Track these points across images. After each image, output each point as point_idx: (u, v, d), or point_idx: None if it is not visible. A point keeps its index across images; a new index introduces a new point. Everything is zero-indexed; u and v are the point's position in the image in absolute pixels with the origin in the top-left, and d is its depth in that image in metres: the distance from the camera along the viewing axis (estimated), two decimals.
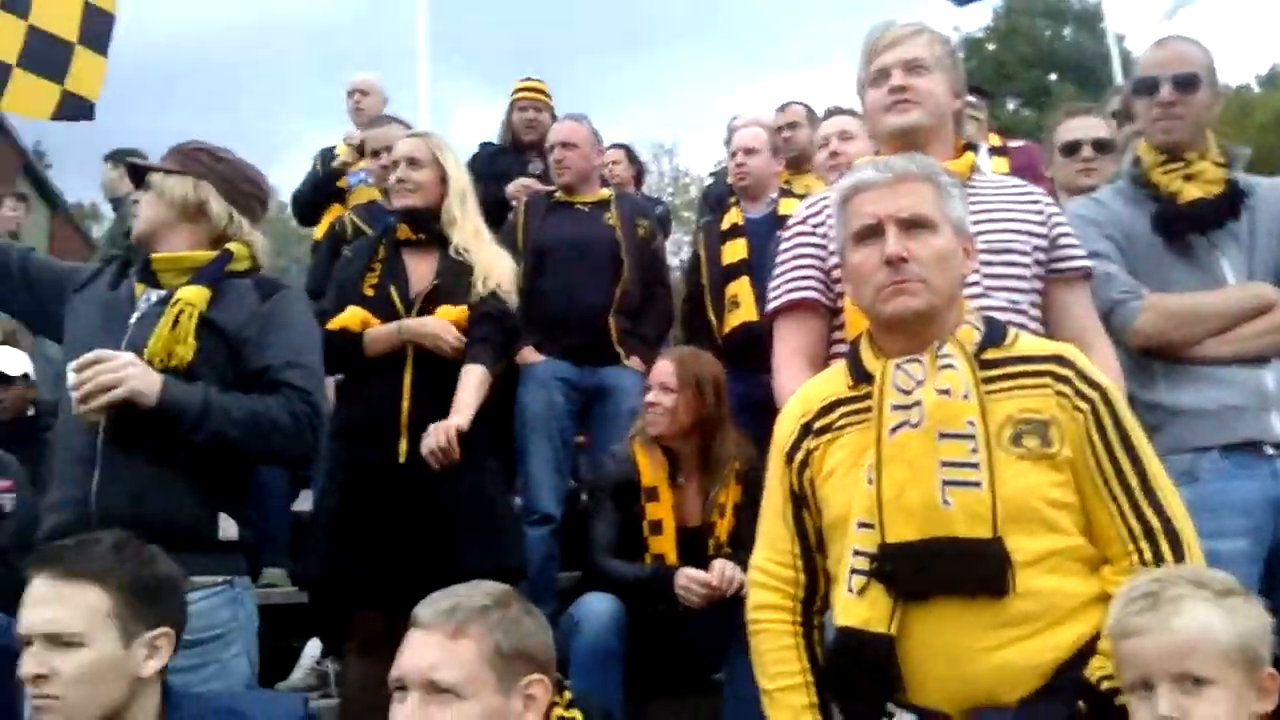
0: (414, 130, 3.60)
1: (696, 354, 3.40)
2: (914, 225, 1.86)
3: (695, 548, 3.06)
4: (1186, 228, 2.56)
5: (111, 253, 5.58)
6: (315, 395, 2.36)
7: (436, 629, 1.72)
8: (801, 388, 2.05)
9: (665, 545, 3.08)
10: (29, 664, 1.78)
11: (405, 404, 3.02)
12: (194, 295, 2.31)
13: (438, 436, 2.87)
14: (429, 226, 3.24)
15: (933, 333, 1.85)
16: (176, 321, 2.28)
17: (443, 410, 2.99)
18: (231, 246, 2.45)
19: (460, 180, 3.29)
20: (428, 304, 3.13)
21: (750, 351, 3.44)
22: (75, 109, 4.93)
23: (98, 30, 5.03)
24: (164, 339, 2.27)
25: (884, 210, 1.88)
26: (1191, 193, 2.54)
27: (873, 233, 1.88)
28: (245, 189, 2.53)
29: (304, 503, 4.40)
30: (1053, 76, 27.57)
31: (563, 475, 3.90)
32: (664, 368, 3.24)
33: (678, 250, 14.13)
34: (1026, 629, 1.71)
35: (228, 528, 2.30)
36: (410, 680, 1.70)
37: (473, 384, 3.03)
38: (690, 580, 2.91)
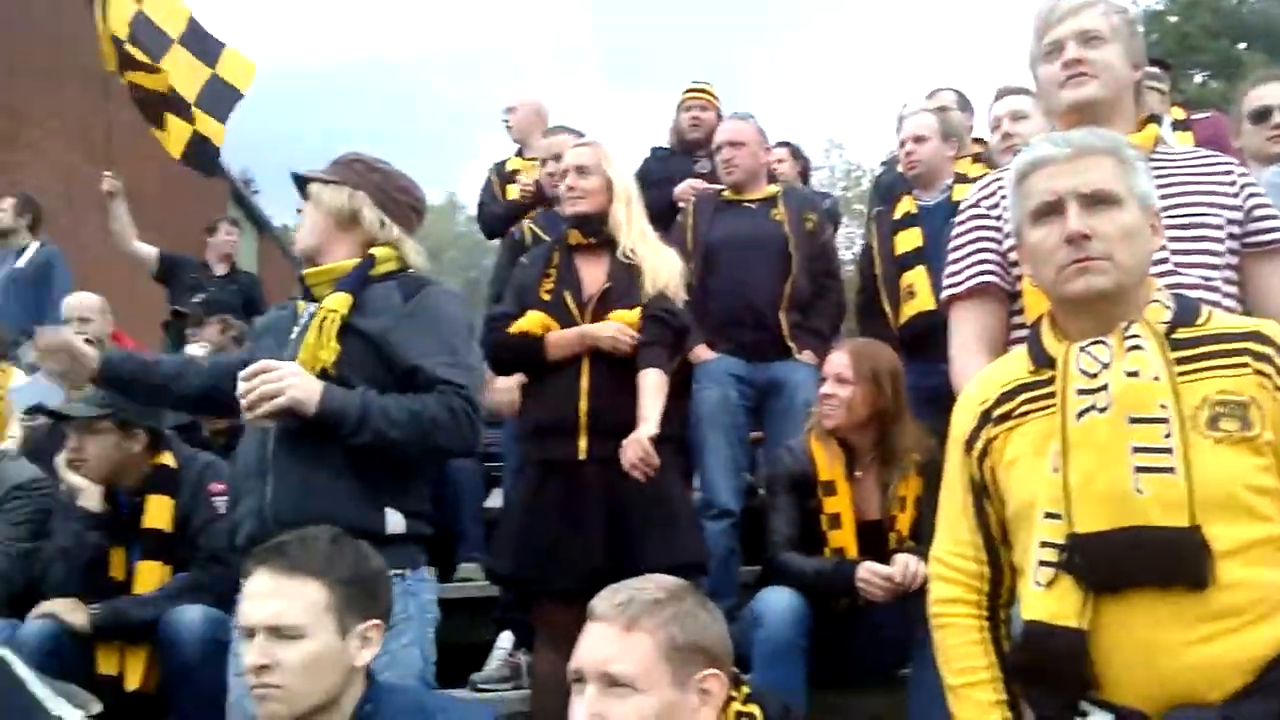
0: (581, 139, 3.70)
1: (872, 345, 3.38)
2: (1097, 201, 1.79)
3: (875, 541, 3.04)
4: None
5: None
6: (469, 389, 2.41)
7: (611, 622, 1.75)
8: (980, 374, 2.01)
9: (845, 539, 3.06)
10: (253, 655, 1.88)
11: (583, 403, 3.11)
12: (335, 302, 2.44)
13: (635, 450, 2.95)
14: (598, 231, 3.33)
15: (1119, 313, 1.77)
16: (321, 329, 2.41)
17: (618, 407, 3.08)
18: (375, 251, 2.54)
19: (625, 185, 3.37)
20: (601, 306, 3.20)
21: (928, 341, 3.37)
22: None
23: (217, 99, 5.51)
24: (310, 346, 2.40)
25: (1064, 186, 1.81)
26: None
27: (1052, 210, 1.82)
28: (398, 197, 2.63)
29: (495, 500, 4.58)
30: (1241, 46, 25.84)
31: (740, 470, 3.93)
32: (839, 360, 3.23)
33: (850, 244, 14.00)
34: (1230, 623, 1.63)
35: (395, 522, 2.39)
36: (587, 672, 1.73)
37: (653, 390, 3.10)
38: (872, 574, 2.89)
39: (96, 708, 1.95)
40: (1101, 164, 1.82)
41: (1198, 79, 25.22)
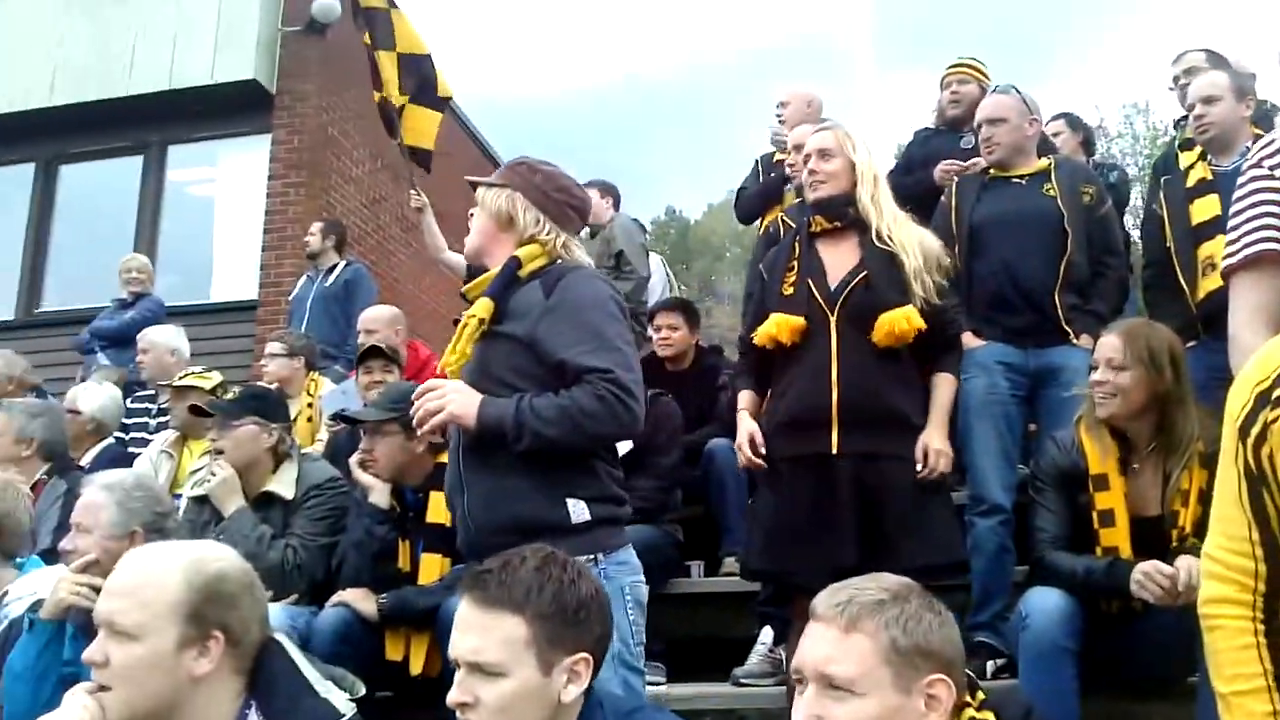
0: (822, 124, 3.64)
1: (1146, 324, 3.14)
2: None
3: (1154, 539, 2.80)
4: None
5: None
6: (617, 371, 2.40)
7: (831, 622, 1.71)
8: (1260, 351, 1.81)
9: (1118, 538, 2.84)
10: (455, 691, 1.84)
11: (834, 396, 3.06)
12: (477, 309, 2.53)
13: (934, 462, 3.06)
14: (843, 212, 3.27)
15: None
16: (460, 337, 2.51)
17: (871, 399, 3.04)
18: (520, 251, 2.58)
19: (870, 167, 3.30)
20: (860, 296, 3.14)
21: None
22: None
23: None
24: (450, 355, 2.51)
25: None
26: None
27: None
28: (557, 197, 2.66)
29: None
30: None
31: (1011, 463, 3.71)
32: (1110, 343, 3.01)
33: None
34: None
35: (579, 512, 2.42)
36: (807, 672, 1.70)
37: (948, 397, 3.22)
38: (1149, 574, 2.66)
39: (361, 689, 2.07)
40: None
41: None
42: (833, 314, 3.14)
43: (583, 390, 2.39)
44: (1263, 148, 2.22)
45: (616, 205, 6.61)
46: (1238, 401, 1.76)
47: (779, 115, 5.91)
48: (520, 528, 2.33)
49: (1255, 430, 1.70)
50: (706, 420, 4.73)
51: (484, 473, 2.49)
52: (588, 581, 1.94)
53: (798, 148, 4.39)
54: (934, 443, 3.11)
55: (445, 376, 2.60)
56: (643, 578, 2.56)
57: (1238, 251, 2.17)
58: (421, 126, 6.14)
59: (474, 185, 2.75)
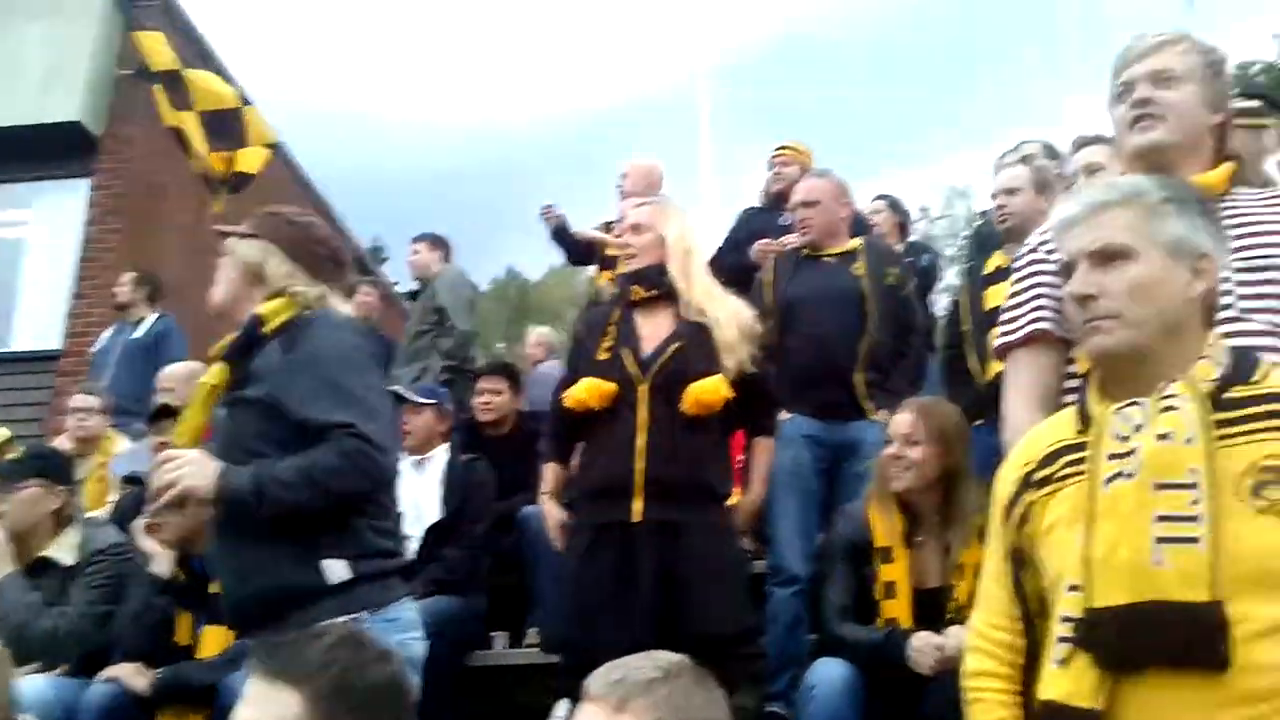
0: (643, 200, 3.73)
1: (939, 403, 3.28)
2: (1107, 257, 1.72)
3: (933, 610, 2.90)
4: None
5: (419, 329, 6.18)
6: (359, 424, 2.28)
7: (602, 701, 1.67)
8: (1028, 434, 1.91)
9: (899, 609, 2.94)
10: None
11: (639, 463, 3.08)
12: (209, 375, 2.45)
13: (744, 520, 3.16)
14: (657, 281, 3.32)
15: (1155, 371, 1.67)
16: (194, 405, 2.41)
17: (676, 468, 3.06)
18: (260, 309, 2.43)
19: (682, 241, 3.37)
20: (671, 366, 3.18)
21: None
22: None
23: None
24: (179, 426, 2.42)
25: (1075, 246, 1.76)
26: None
27: (1072, 270, 1.77)
28: (314, 249, 2.55)
29: None
30: None
31: (811, 535, 3.80)
32: (905, 419, 3.12)
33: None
34: (1260, 709, 1.48)
35: (336, 572, 2.30)
36: None
37: (766, 461, 3.35)
38: (925, 645, 2.76)
39: None
40: (1117, 217, 1.75)
41: None
42: (644, 382, 3.17)
43: (325, 448, 2.26)
44: (1040, 234, 2.32)
45: (447, 258, 6.56)
46: (1005, 482, 1.85)
47: (619, 186, 6.00)
48: (274, 596, 2.24)
49: (1018, 511, 1.79)
50: (524, 486, 4.69)
51: (235, 544, 2.37)
52: (384, 667, 1.79)
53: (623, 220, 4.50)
54: (744, 506, 3.20)
55: None
56: (419, 633, 2.43)
57: (1014, 330, 2.26)
58: (249, 160, 6.05)
59: (223, 235, 2.60)
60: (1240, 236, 2.01)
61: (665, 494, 3.05)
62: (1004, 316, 2.30)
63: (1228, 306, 1.92)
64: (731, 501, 3.38)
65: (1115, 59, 2.24)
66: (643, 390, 3.16)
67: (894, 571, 2.97)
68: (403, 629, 2.37)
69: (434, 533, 4.10)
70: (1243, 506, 1.54)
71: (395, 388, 4.26)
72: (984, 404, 3.63)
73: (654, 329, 3.28)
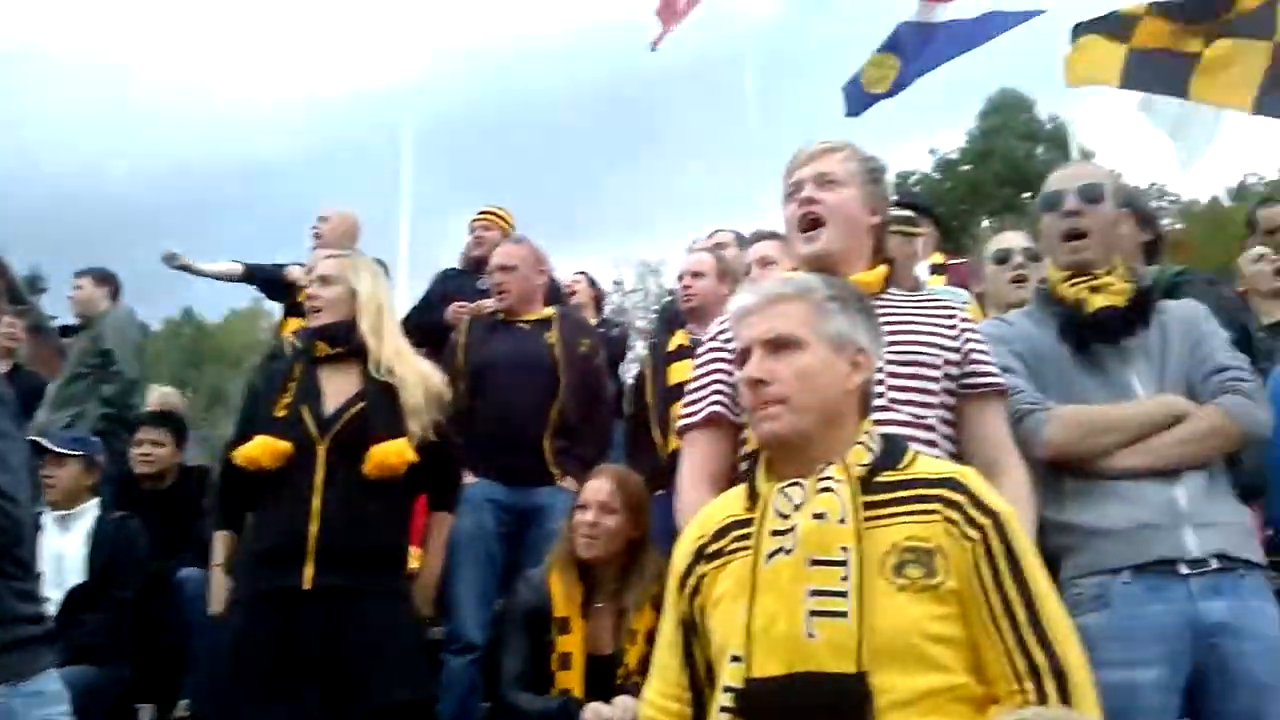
0: (333, 252, 3.62)
1: (630, 472, 3.35)
2: (778, 345, 1.84)
3: (606, 677, 2.95)
4: (1093, 336, 2.50)
5: (78, 370, 5.61)
6: None
7: None
8: (703, 509, 1.99)
9: (572, 680, 2.96)
10: None
11: (313, 528, 2.94)
12: None
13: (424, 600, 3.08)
14: (345, 338, 3.21)
15: (816, 454, 1.79)
16: None
17: (353, 536, 2.94)
18: None
19: (375, 297, 3.28)
20: (354, 426, 3.06)
21: None
22: None
23: None
24: None
25: (750, 334, 1.88)
26: (1097, 302, 2.51)
27: (747, 356, 1.88)
28: None
29: None
30: (1025, 194, 28.13)
31: (489, 602, 3.78)
32: (603, 488, 3.16)
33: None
34: None
35: None
36: None
37: (445, 535, 3.29)
38: (594, 716, 2.80)
39: None
40: (789, 309, 1.88)
41: (985, 223, 27.22)
42: (323, 442, 3.04)
43: None
44: (720, 322, 2.43)
45: (115, 296, 6.03)
46: (680, 554, 1.92)
47: (315, 230, 5.78)
48: None
49: (691, 582, 1.86)
50: (184, 545, 4.35)
51: None
52: None
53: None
54: (423, 584, 3.13)
55: None
56: (65, 708, 2.21)
57: (694, 412, 2.36)
58: None
59: None
60: (893, 333, 2.19)
61: (339, 560, 2.92)
62: (686, 399, 2.40)
63: (880, 396, 2.10)
64: (412, 564, 3.29)
65: (787, 164, 2.42)
66: (321, 450, 3.03)
67: (570, 643, 3.00)
68: (47, 703, 2.16)
69: (75, 595, 3.73)
70: (886, 584, 1.67)
71: (36, 437, 3.86)
72: (664, 475, 3.77)
73: (338, 387, 3.16)
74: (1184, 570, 2.27)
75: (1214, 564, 2.27)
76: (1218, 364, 2.45)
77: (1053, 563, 2.35)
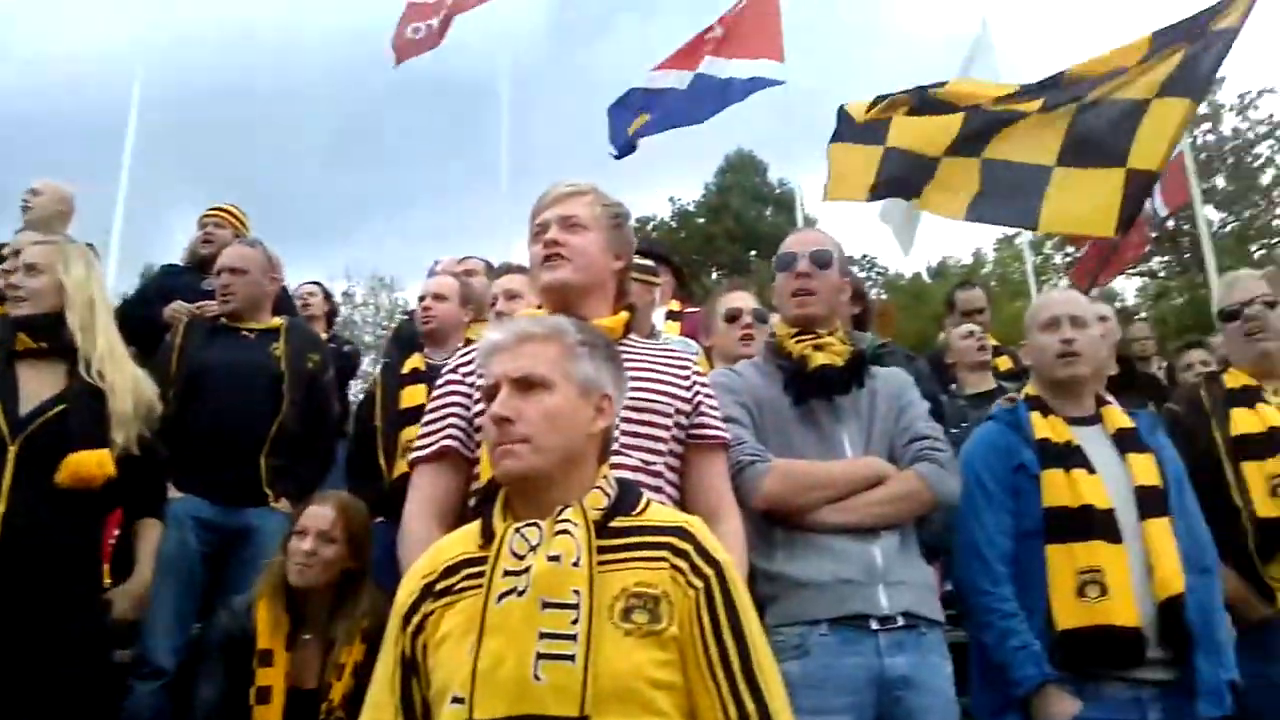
0: (42, 238, 3.31)
1: (355, 500, 3.26)
2: (527, 385, 1.85)
3: (309, 713, 2.84)
4: (813, 391, 2.67)
5: None
6: None
7: None
8: (434, 544, 1.95)
9: (271, 715, 2.84)
10: None
11: None
12: None
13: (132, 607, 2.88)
14: (52, 334, 2.96)
15: (555, 496, 1.80)
16: None
17: (40, 546, 2.71)
18: None
19: (85, 290, 3.04)
20: (54, 427, 2.82)
21: None
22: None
23: None
24: None
25: (500, 370, 1.88)
26: (819, 360, 2.68)
27: (495, 393, 1.87)
28: None
29: None
30: (753, 253, 29.67)
31: (186, 626, 3.54)
32: (325, 514, 3.06)
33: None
34: None
35: None
36: None
37: (155, 541, 3.09)
38: None
39: None
40: (539, 350, 1.89)
41: (714, 276, 28.46)
42: (13, 444, 2.78)
43: None
44: (460, 356, 2.44)
45: None
46: (406, 590, 1.86)
47: (26, 203, 5.23)
48: None
49: (416, 619, 1.81)
50: None
51: None
52: None
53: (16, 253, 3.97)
54: (117, 602, 2.91)
55: None
56: None
57: (426, 445, 2.33)
58: None
59: None
60: (629, 380, 2.22)
61: (22, 572, 2.67)
62: (421, 430, 2.37)
63: (615, 439, 2.12)
64: (107, 581, 3.05)
65: (534, 204, 2.46)
66: (11, 453, 2.77)
67: (271, 675, 2.87)
68: None
69: None
70: (613, 629, 1.69)
71: None
72: (386, 502, 3.68)
73: (38, 385, 2.91)
74: (874, 626, 2.44)
75: (900, 621, 2.45)
76: (917, 432, 2.67)
77: (760, 609, 2.50)
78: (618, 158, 8.54)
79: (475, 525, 1.90)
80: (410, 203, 48.07)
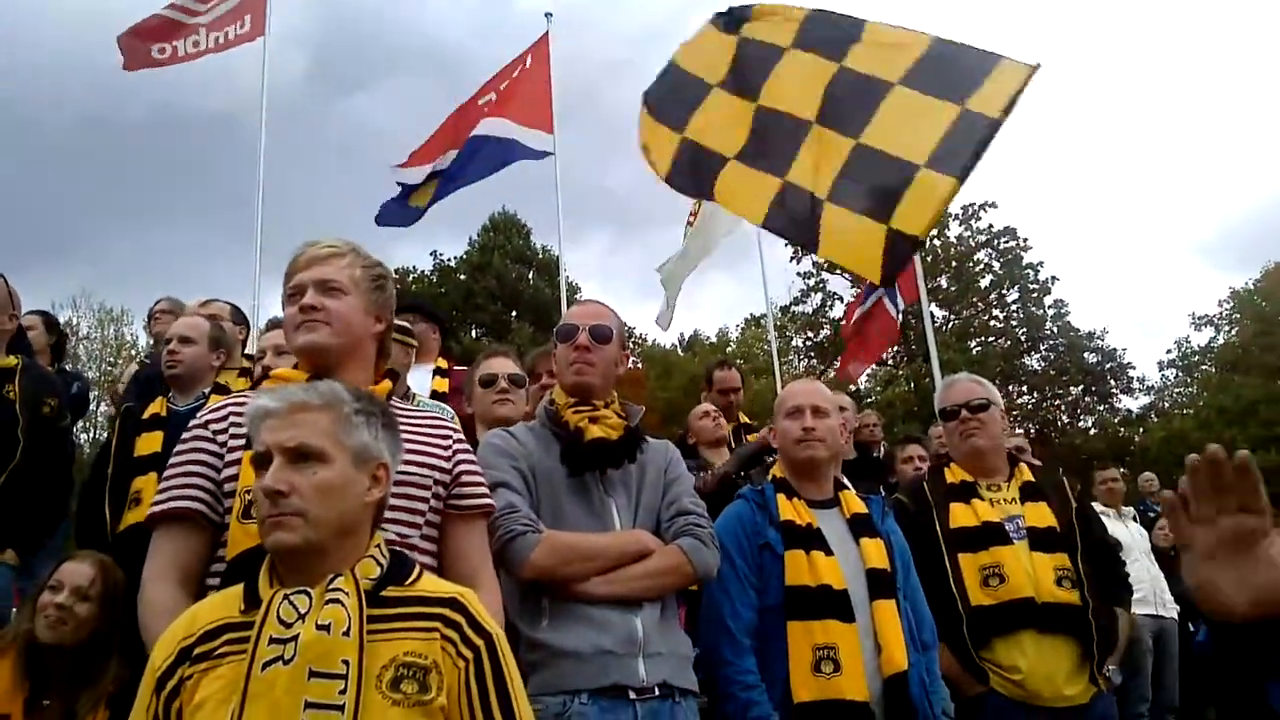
0: None
1: (113, 565, 3.10)
2: (301, 456, 1.84)
3: None
4: (589, 463, 2.74)
5: None
6: None
7: None
8: (192, 607, 1.88)
9: None
10: None
11: None
12: None
13: None
14: None
15: (327, 565, 1.80)
16: None
17: None
18: None
19: None
20: None
21: (144, 555, 3.13)
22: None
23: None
24: None
25: (272, 439, 1.85)
26: (595, 432, 2.76)
27: (266, 461, 1.84)
28: None
29: None
30: (514, 313, 29.78)
31: None
32: (84, 572, 2.97)
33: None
34: None
35: None
36: None
37: None
38: None
39: None
40: (313, 419, 1.89)
41: (474, 334, 28.34)
42: None
43: None
44: (211, 411, 2.34)
45: None
46: (161, 654, 1.80)
47: None
48: None
49: (171, 684, 1.76)
50: None
51: None
52: None
53: None
54: None
55: None
56: None
57: (164, 502, 2.21)
58: None
59: None
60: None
61: None
62: (162, 485, 2.25)
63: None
64: None
65: (289, 263, 2.39)
66: None
67: None
68: None
69: None
70: (381, 699, 1.71)
71: None
72: (111, 552, 3.47)
73: None
74: (632, 695, 2.51)
75: (657, 691, 2.54)
76: (683, 507, 2.80)
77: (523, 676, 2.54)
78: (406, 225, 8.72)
79: (237, 589, 1.86)
80: (151, 228, 45.23)
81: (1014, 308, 30.28)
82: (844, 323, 14.64)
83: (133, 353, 23.85)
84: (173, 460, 2.28)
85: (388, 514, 2.14)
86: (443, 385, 5.14)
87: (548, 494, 2.71)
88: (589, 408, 2.81)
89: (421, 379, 4.86)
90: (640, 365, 27.44)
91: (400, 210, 8.96)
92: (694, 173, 4.79)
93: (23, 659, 2.81)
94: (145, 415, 3.98)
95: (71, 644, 2.86)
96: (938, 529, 3.50)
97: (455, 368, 5.37)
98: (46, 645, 2.83)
